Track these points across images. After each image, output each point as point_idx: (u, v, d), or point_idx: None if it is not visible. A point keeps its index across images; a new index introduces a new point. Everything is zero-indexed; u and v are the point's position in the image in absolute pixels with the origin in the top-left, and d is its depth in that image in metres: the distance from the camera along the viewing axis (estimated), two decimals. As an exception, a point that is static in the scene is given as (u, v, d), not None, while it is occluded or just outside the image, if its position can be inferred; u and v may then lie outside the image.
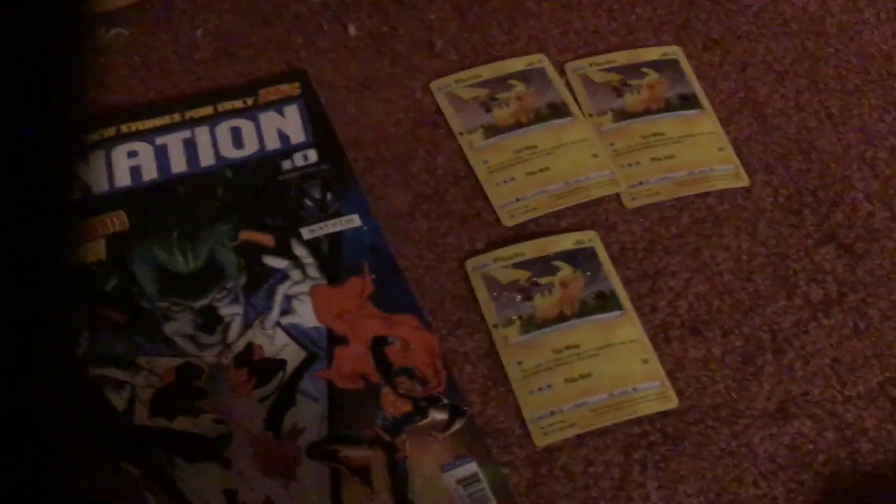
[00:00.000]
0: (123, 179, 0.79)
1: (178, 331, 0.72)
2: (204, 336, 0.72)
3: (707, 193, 0.83)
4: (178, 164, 0.79)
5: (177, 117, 0.82)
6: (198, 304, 0.74)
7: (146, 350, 0.71)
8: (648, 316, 0.77)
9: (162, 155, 0.80)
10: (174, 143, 0.80)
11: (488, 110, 0.85)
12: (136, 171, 0.79)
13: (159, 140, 0.80)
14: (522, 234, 0.80)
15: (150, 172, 0.79)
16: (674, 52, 0.90)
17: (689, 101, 0.87)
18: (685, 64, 0.89)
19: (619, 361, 0.74)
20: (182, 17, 0.89)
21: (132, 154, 0.80)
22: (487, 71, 0.87)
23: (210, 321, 0.73)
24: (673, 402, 0.73)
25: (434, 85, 0.86)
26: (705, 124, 0.86)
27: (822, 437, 0.73)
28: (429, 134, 0.84)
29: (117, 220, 0.77)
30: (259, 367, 0.71)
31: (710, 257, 0.80)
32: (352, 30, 0.89)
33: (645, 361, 0.74)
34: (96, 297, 0.74)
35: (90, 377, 0.70)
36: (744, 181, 0.83)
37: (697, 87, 0.88)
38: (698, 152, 0.84)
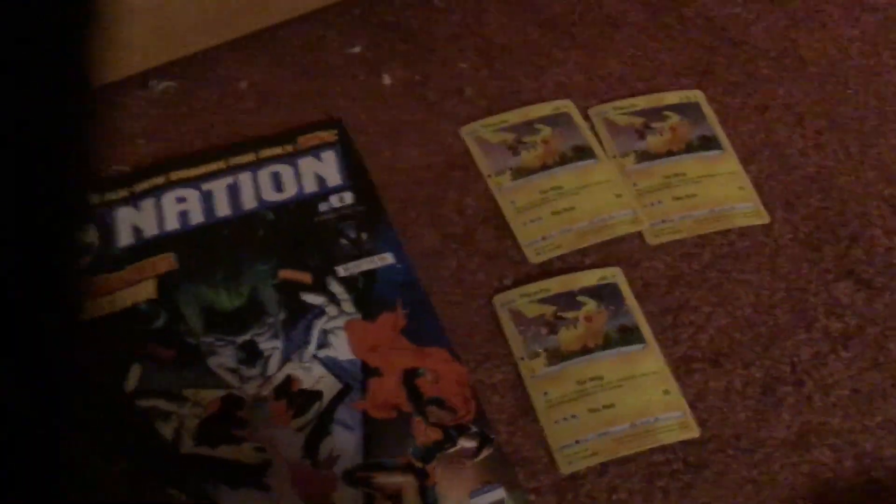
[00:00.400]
0: (172, 223, 0.83)
1: (221, 364, 0.77)
2: (246, 369, 0.76)
3: (728, 230, 0.85)
4: (223, 208, 0.84)
5: (222, 164, 0.87)
6: (240, 339, 0.78)
7: (192, 383, 0.76)
8: (671, 348, 0.79)
9: (208, 200, 0.85)
10: (219, 188, 0.85)
11: (516, 153, 0.89)
12: (183, 216, 0.84)
13: (205, 186, 0.85)
14: (548, 270, 0.83)
15: (196, 216, 0.84)
16: (695, 95, 0.93)
17: (710, 143, 0.90)
18: (706, 107, 0.93)
19: (642, 392, 0.77)
20: (227, 70, 0.94)
21: (181, 200, 0.85)
22: (515, 116, 0.91)
23: (251, 355, 0.77)
24: (694, 432, 0.76)
25: (464, 130, 0.90)
26: (726, 164, 0.89)
27: (841, 466, 0.75)
28: (459, 176, 0.88)
29: (166, 262, 0.81)
30: (297, 398, 0.75)
31: (731, 292, 0.82)
32: (386, 79, 0.94)
33: (666, 392, 0.77)
34: (147, 334, 0.78)
35: (140, 409, 0.75)
36: (764, 218, 0.86)
37: (718, 129, 0.91)
38: (719, 191, 0.87)
